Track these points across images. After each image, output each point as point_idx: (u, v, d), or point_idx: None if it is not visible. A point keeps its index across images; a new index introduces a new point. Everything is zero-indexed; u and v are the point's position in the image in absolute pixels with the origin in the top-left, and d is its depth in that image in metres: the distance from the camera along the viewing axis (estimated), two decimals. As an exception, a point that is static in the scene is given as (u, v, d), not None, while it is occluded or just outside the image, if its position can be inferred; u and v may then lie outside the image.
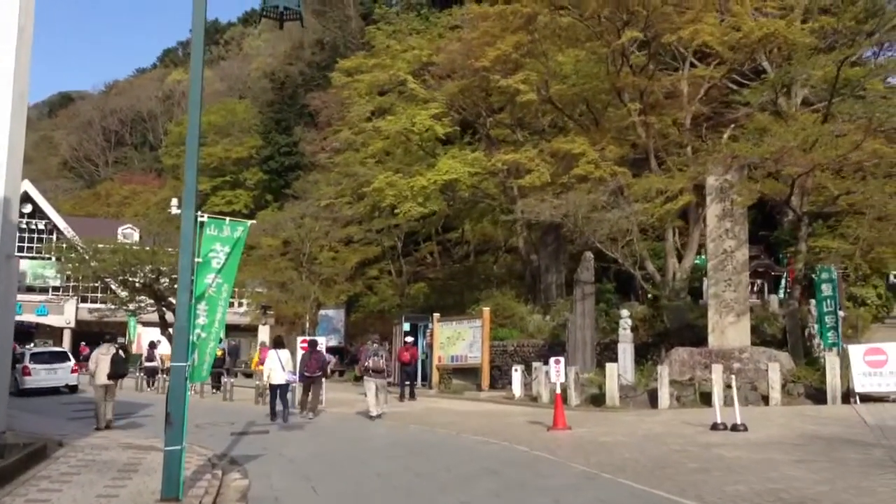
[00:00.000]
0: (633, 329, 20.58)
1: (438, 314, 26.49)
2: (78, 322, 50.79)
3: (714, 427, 12.75)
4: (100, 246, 38.84)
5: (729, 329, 19.04)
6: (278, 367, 16.82)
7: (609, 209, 22.04)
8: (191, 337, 7.87)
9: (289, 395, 17.50)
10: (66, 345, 48.61)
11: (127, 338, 47.32)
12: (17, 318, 51.80)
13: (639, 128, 24.68)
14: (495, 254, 39.69)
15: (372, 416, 16.50)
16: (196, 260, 8.04)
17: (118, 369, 15.18)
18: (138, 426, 15.62)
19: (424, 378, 25.93)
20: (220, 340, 28.21)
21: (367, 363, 17.10)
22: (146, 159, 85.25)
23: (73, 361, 27.44)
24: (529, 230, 30.58)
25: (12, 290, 10.89)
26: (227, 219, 8.50)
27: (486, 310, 24.47)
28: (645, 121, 23.25)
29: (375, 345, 17.95)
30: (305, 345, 19.73)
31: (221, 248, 8.33)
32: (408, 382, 22.58)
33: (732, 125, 24.94)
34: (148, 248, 38.50)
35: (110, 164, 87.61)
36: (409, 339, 24.57)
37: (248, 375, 26.14)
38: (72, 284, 49.41)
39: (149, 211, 62.43)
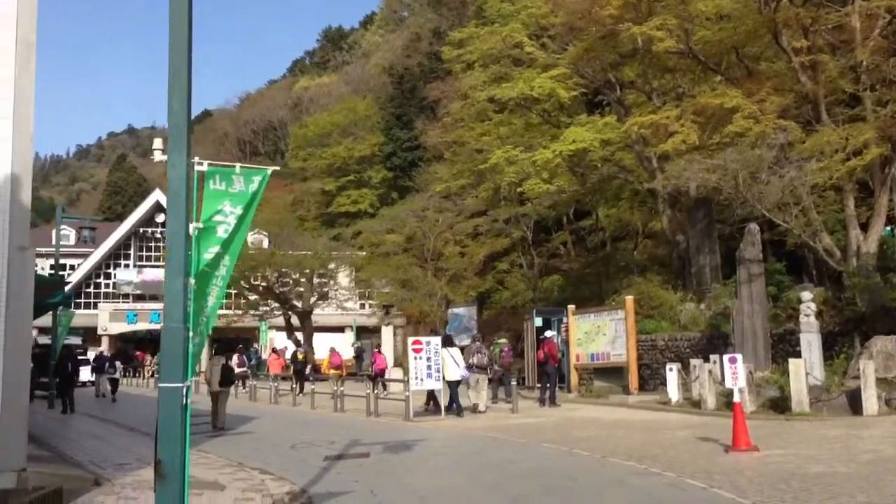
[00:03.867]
0: (817, 315, 16.65)
1: (573, 306, 23.26)
2: (214, 329, 50.70)
3: (972, 447, 9.04)
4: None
5: (947, 310, 14.93)
6: (452, 363, 17.45)
7: (775, 171, 18.14)
8: (190, 342, 5.31)
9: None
10: (204, 351, 48.52)
11: (260, 343, 46.75)
12: (156, 326, 52.92)
13: (802, 75, 20.56)
14: (634, 239, 35.97)
15: (481, 411, 17.53)
16: (195, 226, 5.47)
17: (227, 377, 17.10)
18: (229, 442, 13.47)
19: (562, 379, 22.78)
20: (281, 347, 26.87)
21: (471, 360, 17.93)
22: (278, 167, 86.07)
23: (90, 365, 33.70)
24: (673, 207, 26.81)
25: (27, 288, 8.72)
26: (238, 166, 5.86)
27: (630, 299, 21.03)
28: (814, 60, 19.11)
29: (478, 342, 19.29)
30: (419, 346, 17.13)
31: (232, 208, 5.73)
32: (548, 384, 19.55)
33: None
34: (265, 249, 37.29)
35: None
36: (548, 333, 21.64)
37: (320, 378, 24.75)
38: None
39: (279, 216, 62.22)
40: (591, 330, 22.16)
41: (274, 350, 29.92)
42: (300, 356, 25.59)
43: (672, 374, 17.93)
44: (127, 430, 16.42)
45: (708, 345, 20.29)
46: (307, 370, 24.76)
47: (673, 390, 17.63)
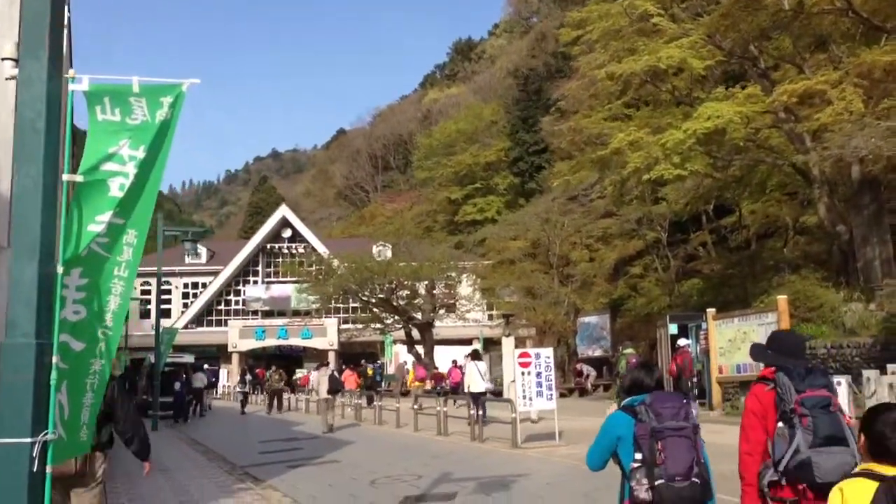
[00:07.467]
0: None
1: (714, 310, 20.21)
2: (341, 343, 49.93)
3: None
4: (334, 262, 36.91)
5: None
6: (477, 377, 17.37)
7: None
8: (54, 368, 3.34)
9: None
10: (332, 366, 47.84)
11: (384, 357, 45.57)
12: (285, 342, 52.48)
13: None
14: (784, 236, 32.01)
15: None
16: (68, 178, 3.52)
17: (335, 386, 19.73)
18: (307, 474, 11.73)
19: (702, 395, 19.79)
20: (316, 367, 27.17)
21: None
22: (409, 180, 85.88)
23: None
24: (832, 194, 23.11)
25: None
26: (136, 80, 3.79)
27: (783, 298, 17.80)
28: None
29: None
30: (526, 360, 14.79)
31: (132, 150, 3.67)
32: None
33: None
34: (381, 259, 35.91)
35: (378, 189, 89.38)
36: (683, 341, 18.95)
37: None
38: (332, 306, 48.55)
39: (401, 227, 61.32)
40: (735, 337, 19.05)
41: (350, 367, 28.73)
42: (370, 372, 25.22)
43: (840, 388, 14.72)
44: (208, 458, 14.99)
45: (883, 352, 16.85)
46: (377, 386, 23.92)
47: (843, 408, 14.44)
